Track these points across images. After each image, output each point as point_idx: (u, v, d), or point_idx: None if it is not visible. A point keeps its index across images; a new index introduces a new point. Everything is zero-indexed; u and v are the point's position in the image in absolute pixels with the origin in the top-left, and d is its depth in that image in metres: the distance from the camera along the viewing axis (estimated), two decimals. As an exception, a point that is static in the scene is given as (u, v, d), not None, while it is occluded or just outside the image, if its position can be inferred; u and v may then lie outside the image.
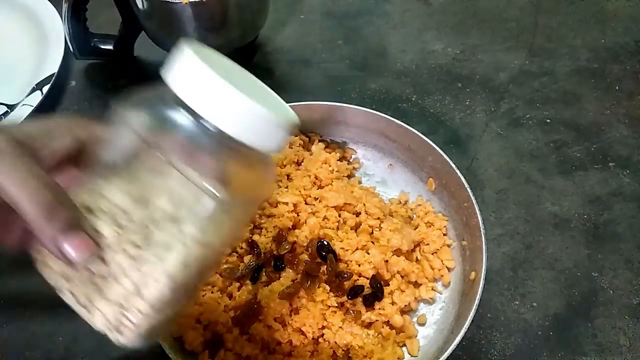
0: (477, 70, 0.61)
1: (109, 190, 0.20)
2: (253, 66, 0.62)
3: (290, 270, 0.40)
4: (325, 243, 0.40)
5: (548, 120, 0.57)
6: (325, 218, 0.43)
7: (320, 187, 0.46)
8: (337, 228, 0.43)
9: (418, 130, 0.45)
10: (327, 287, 0.39)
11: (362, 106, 0.46)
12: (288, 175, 0.46)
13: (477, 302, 0.36)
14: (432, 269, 0.43)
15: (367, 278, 0.40)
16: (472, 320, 0.35)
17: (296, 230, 0.42)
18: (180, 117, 0.19)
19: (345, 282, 0.40)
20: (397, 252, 0.42)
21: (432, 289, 0.42)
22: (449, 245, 0.44)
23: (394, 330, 0.40)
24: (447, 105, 0.58)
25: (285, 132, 0.20)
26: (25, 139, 0.21)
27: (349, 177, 0.49)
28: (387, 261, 0.41)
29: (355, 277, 0.40)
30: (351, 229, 0.43)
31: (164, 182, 0.19)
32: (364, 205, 0.44)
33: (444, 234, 0.45)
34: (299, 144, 0.48)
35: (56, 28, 0.61)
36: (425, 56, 0.62)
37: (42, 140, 0.22)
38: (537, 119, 0.57)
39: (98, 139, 0.23)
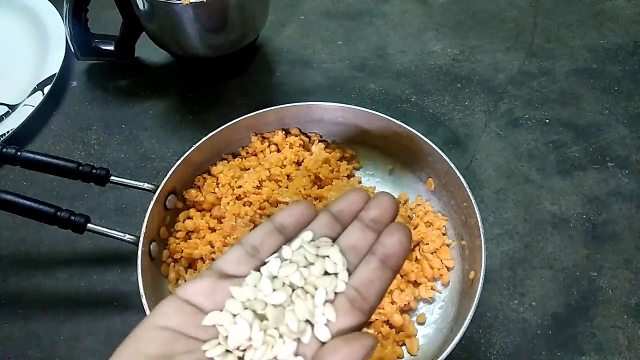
0: (476, 70, 0.61)
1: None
2: (253, 67, 0.62)
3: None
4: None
5: (547, 121, 0.57)
6: (325, 218, 0.43)
7: (320, 186, 0.47)
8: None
9: (417, 131, 0.45)
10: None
11: (362, 106, 0.47)
12: (288, 175, 0.47)
13: (476, 301, 0.36)
14: (431, 268, 0.43)
15: (367, 277, 0.40)
16: (472, 320, 0.36)
17: (296, 230, 0.42)
18: None
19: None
20: (397, 251, 0.42)
21: (432, 289, 0.42)
22: (448, 245, 0.44)
23: (393, 330, 0.40)
24: (447, 106, 0.58)
25: None
26: None
27: (348, 177, 0.49)
28: (386, 260, 0.41)
29: (355, 276, 0.40)
30: (351, 229, 0.43)
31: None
32: (364, 205, 0.44)
33: (443, 234, 0.45)
34: (299, 144, 0.49)
35: (57, 29, 0.62)
36: (425, 57, 0.63)
37: None
38: (536, 119, 0.57)
39: None
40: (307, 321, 0.21)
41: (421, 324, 0.42)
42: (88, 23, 0.56)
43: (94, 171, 0.42)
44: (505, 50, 0.63)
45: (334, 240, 0.24)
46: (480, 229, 0.39)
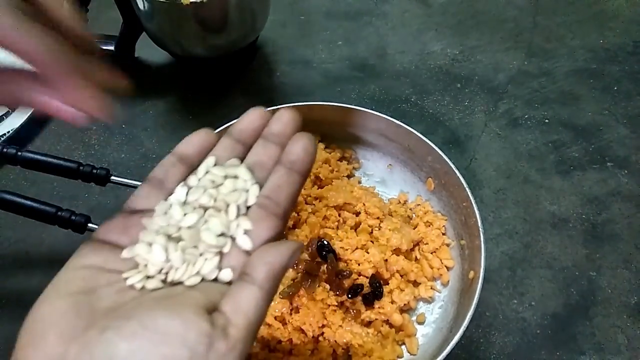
0: (476, 70, 0.61)
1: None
2: (253, 67, 0.62)
3: (291, 270, 0.40)
4: (326, 243, 0.41)
5: (546, 121, 0.57)
6: (325, 217, 0.43)
7: (320, 186, 0.47)
8: (337, 227, 0.44)
9: (417, 131, 0.45)
10: (327, 286, 0.40)
11: (362, 106, 0.47)
12: (288, 175, 0.47)
13: (475, 301, 0.36)
14: (431, 268, 0.43)
15: (367, 277, 0.41)
16: (471, 319, 0.35)
17: (296, 230, 0.42)
18: None
19: (345, 281, 0.40)
20: (397, 251, 0.42)
21: (431, 288, 0.42)
22: (447, 245, 0.44)
23: (393, 329, 0.40)
24: (446, 106, 0.58)
25: None
26: None
27: (348, 177, 0.49)
28: (386, 260, 0.41)
29: (355, 276, 0.41)
30: (351, 229, 0.43)
31: None
32: (364, 204, 0.44)
33: (443, 234, 0.45)
34: (299, 144, 0.48)
35: (57, 29, 0.61)
36: (425, 57, 0.63)
37: None
38: (536, 119, 0.57)
39: None
40: (226, 236, 0.22)
41: (421, 323, 0.42)
42: (88, 23, 0.56)
43: (94, 171, 0.42)
44: (505, 50, 0.63)
45: (241, 160, 0.24)
46: (480, 229, 0.39)
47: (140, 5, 0.51)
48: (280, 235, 0.23)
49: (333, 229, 0.43)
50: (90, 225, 0.40)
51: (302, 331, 0.38)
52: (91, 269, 0.20)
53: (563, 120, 0.57)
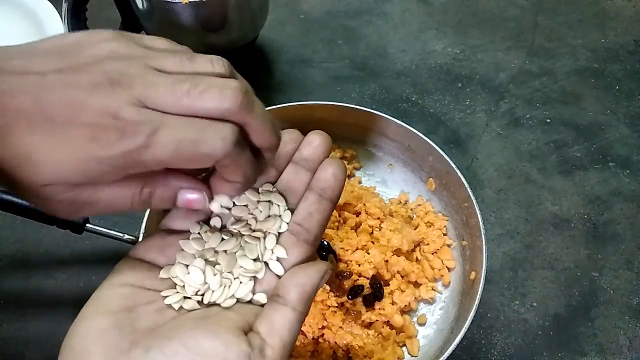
0: (477, 70, 0.61)
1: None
2: (253, 66, 0.62)
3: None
4: (326, 243, 0.40)
5: (548, 120, 0.57)
6: (325, 218, 0.43)
7: (320, 187, 0.46)
8: (337, 228, 0.43)
9: (418, 130, 0.45)
10: (327, 287, 0.39)
11: (362, 106, 0.46)
12: (288, 175, 0.46)
13: (477, 302, 0.36)
14: (432, 268, 0.43)
15: (367, 278, 0.40)
16: (472, 320, 0.35)
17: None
18: None
19: (345, 282, 0.40)
20: (397, 252, 0.42)
21: (432, 289, 0.42)
22: (449, 245, 0.44)
23: (394, 330, 0.40)
24: (447, 105, 0.58)
25: None
26: None
27: (349, 177, 0.49)
28: (387, 261, 0.41)
29: (355, 276, 0.40)
30: (351, 229, 0.43)
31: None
32: (364, 205, 0.44)
33: (444, 234, 0.45)
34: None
35: (56, 28, 0.61)
36: (425, 56, 0.62)
37: None
38: (537, 119, 0.57)
39: None
40: (260, 261, 0.23)
41: (422, 324, 0.42)
42: (87, 22, 0.56)
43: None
44: (506, 50, 0.63)
45: (273, 184, 0.25)
46: (481, 229, 0.39)
47: (139, 5, 0.50)
48: (309, 259, 0.24)
49: (333, 229, 0.43)
50: (88, 225, 0.40)
51: (302, 332, 0.38)
52: (130, 287, 0.21)
53: (565, 119, 0.57)
